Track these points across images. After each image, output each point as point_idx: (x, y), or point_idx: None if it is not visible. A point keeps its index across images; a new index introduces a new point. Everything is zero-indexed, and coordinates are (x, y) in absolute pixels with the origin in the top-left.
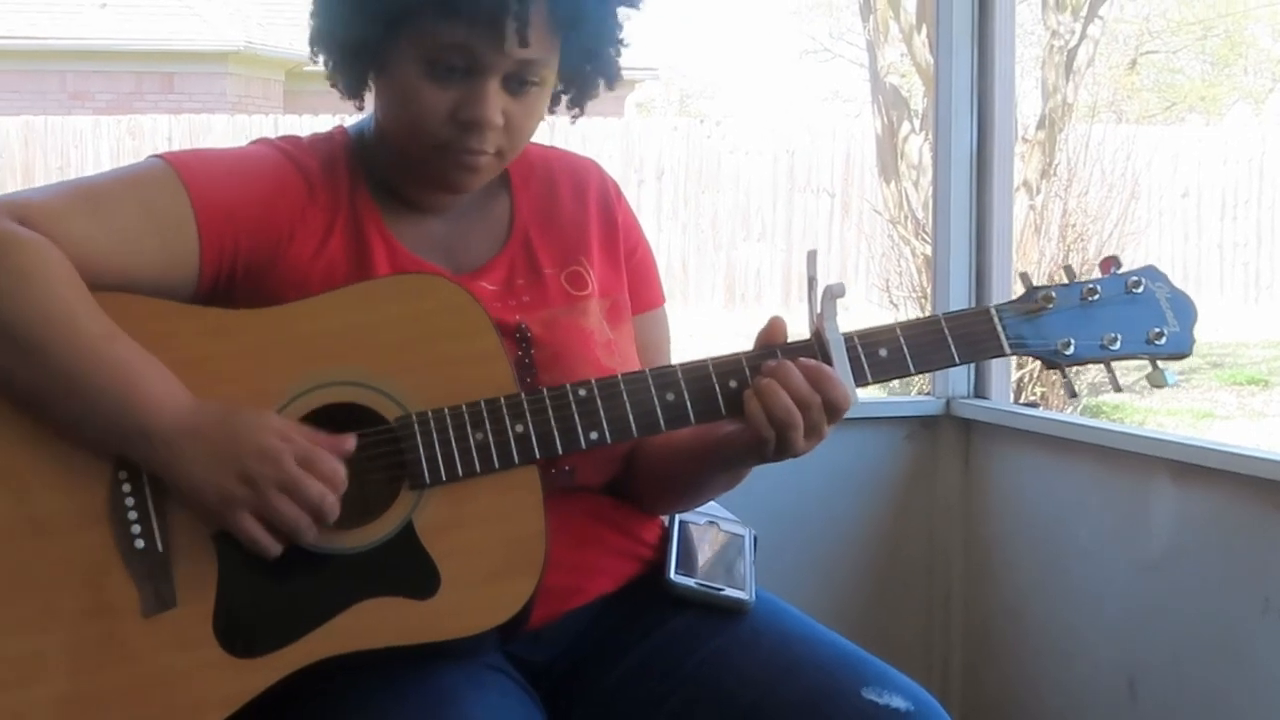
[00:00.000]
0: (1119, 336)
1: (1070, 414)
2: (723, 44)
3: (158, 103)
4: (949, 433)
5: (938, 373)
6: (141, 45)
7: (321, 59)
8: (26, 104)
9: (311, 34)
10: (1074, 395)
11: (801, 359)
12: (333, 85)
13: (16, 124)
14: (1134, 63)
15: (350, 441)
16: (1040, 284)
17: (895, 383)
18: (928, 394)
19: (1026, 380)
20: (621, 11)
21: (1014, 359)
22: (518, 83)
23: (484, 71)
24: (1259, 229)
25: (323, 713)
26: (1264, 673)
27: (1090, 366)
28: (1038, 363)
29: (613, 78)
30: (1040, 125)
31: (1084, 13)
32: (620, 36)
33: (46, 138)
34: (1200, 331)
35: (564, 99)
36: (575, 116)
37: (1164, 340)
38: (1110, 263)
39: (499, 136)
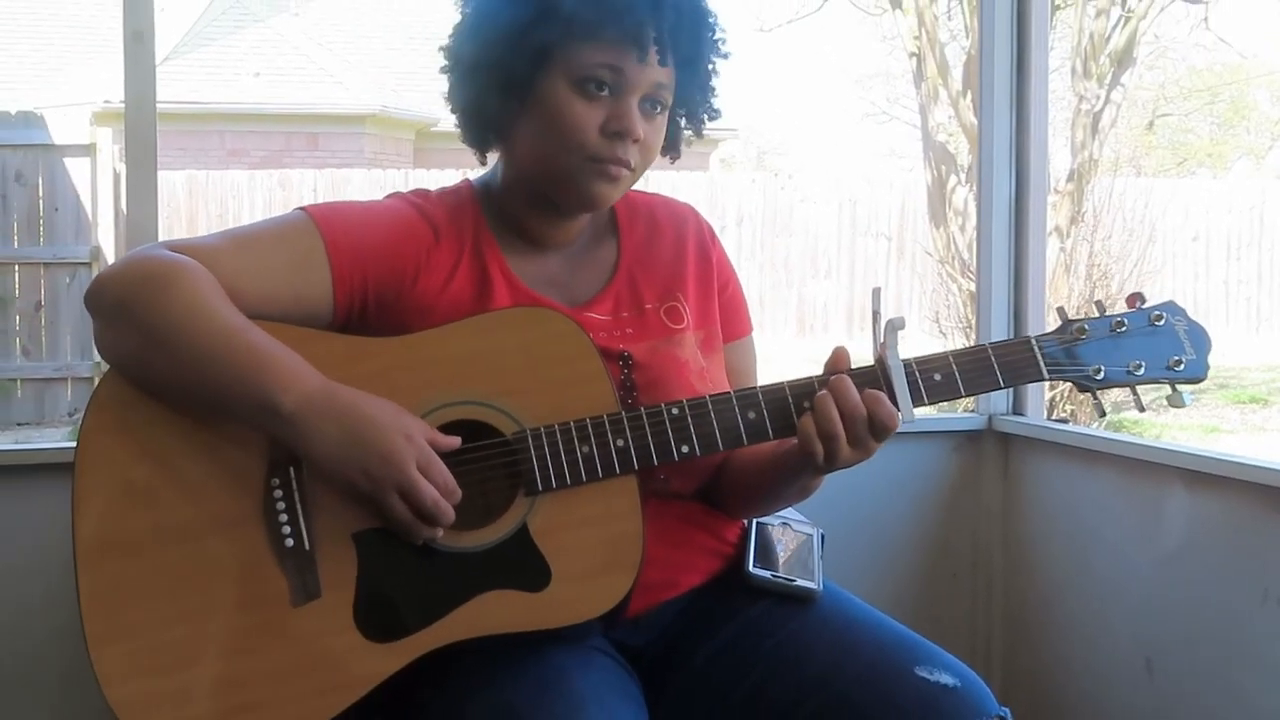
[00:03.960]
0: (1143, 363)
1: (1096, 429)
2: (795, 108)
3: (304, 159)
4: (990, 446)
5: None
6: (290, 109)
7: (460, 111)
8: (190, 160)
9: (451, 88)
10: (1103, 415)
11: (867, 390)
12: (465, 140)
13: (181, 177)
14: (1151, 124)
15: (455, 440)
16: (1074, 317)
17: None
18: (972, 411)
19: (1058, 400)
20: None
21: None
22: (651, 104)
23: (627, 89)
24: (1259, 268)
25: (450, 689)
26: (1264, 654)
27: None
28: (1068, 385)
29: (713, 115)
30: (1070, 178)
31: (1108, 81)
32: (713, 84)
33: (208, 189)
34: (1209, 357)
35: (670, 134)
36: (674, 159)
37: (1182, 367)
38: (1136, 298)
39: (637, 151)
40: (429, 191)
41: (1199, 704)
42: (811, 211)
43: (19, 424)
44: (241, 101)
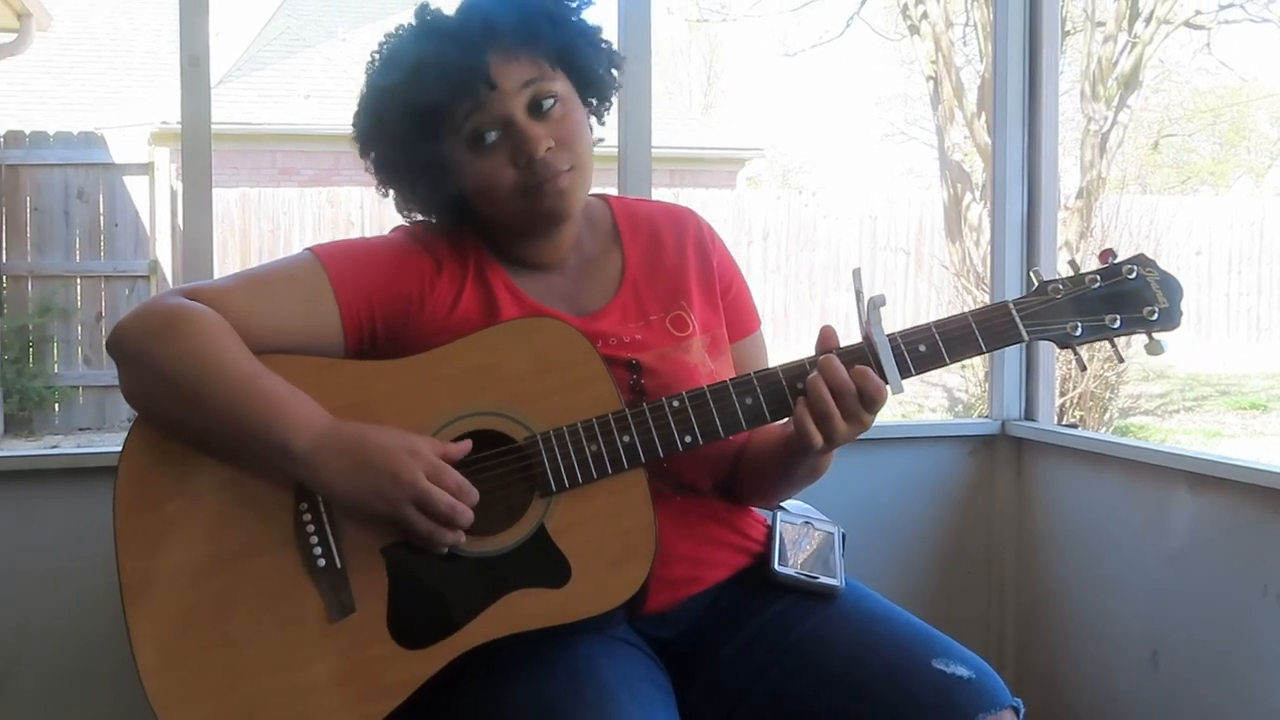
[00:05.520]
0: (1119, 316)
1: (1104, 434)
2: (818, 129)
3: (352, 177)
4: (1004, 449)
5: (995, 399)
6: (338, 129)
7: (419, 209)
8: (243, 178)
9: (395, 200)
10: (1084, 369)
11: (855, 366)
12: (440, 223)
13: (235, 195)
14: (1156, 144)
15: (466, 445)
16: (1049, 278)
17: (960, 406)
18: (986, 417)
19: (1068, 406)
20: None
21: (1057, 388)
22: (538, 108)
23: (506, 119)
24: (1259, 281)
25: (485, 686)
26: (1264, 647)
27: (1113, 375)
28: (1076, 391)
29: (613, 60)
30: (1079, 195)
31: (1115, 103)
32: (593, 25)
33: (260, 206)
34: (1210, 365)
35: (592, 102)
36: (604, 113)
37: (1156, 316)
38: (1108, 254)
39: (561, 155)
40: (431, 223)
41: (1202, 695)
42: (834, 227)
43: (80, 429)
44: (292, 122)
